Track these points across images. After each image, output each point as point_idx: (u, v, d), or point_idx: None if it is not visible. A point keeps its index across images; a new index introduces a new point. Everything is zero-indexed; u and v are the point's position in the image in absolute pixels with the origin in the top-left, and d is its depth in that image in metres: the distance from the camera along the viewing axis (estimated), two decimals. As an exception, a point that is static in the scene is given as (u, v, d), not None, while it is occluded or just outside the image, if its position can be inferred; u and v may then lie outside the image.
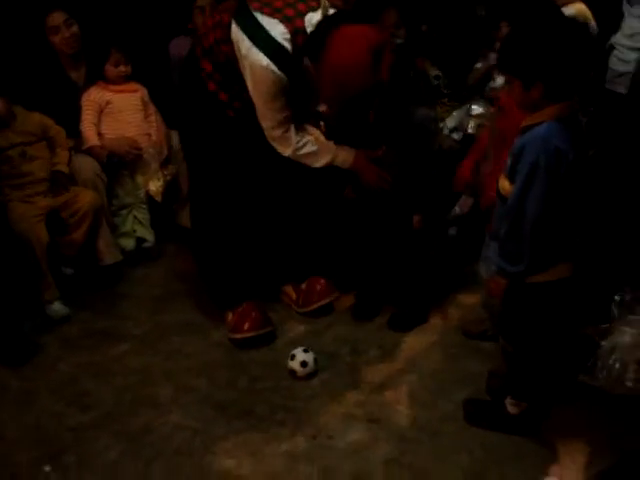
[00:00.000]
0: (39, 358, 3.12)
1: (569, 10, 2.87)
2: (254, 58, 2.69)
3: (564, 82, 2.21)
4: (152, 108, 4.03)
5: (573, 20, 2.44)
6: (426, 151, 3.07)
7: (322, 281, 3.36)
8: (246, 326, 3.15)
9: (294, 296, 3.44)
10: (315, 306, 3.34)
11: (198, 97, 2.97)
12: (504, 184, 2.36)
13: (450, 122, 3.57)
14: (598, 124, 2.99)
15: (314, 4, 2.73)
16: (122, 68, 3.91)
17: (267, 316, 3.23)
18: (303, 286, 3.40)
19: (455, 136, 3.52)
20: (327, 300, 3.35)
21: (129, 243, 3.93)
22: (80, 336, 3.28)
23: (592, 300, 2.30)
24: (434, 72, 3.64)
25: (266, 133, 2.90)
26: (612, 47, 3.75)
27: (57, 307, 3.38)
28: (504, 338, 2.63)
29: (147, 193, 3.93)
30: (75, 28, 3.83)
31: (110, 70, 3.88)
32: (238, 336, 3.16)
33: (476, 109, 3.55)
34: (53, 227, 3.43)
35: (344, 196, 3.25)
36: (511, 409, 2.60)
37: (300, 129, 2.94)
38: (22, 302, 3.31)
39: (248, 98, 2.83)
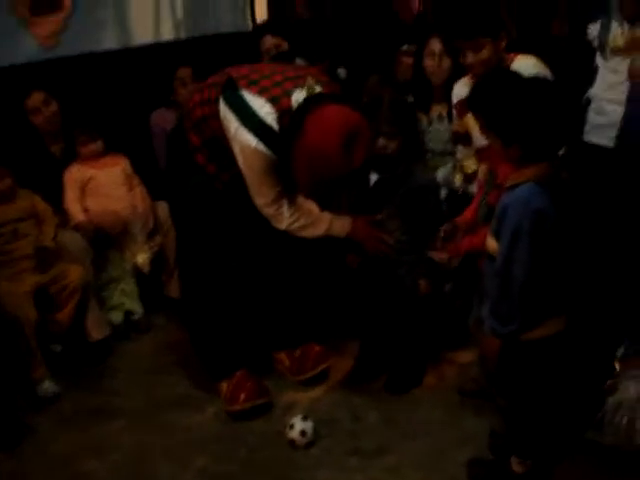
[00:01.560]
0: (31, 439, 3.06)
1: (523, 66, 2.89)
2: (243, 138, 2.71)
3: (541, 144, 2.24)
4: (136, 180, 4.04)
5: (540, 81, 2.49)
6: (432, 214, 3.07)
7: (316, 347, 3.33)
8: (242, 397, 3.10)
9: (288, 363, 3.40)
10: (310, 374, 3.30)
11: (186, 169, 2.99)
12: (491, 243, 2.37)
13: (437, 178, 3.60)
14: (579, 177, 3.03)
15: (301, 82, 2.73)
16: (92, 147, 3.92)
17: (263, 385, 3.20)
18: (297, 353, 3.36)
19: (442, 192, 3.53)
20: (322, 367, 3.31)
21: (118, 316, 3.89)
22: (73, 414, 3.22)
23: (593, 355, 2.31)
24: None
25: (260, 210, 2.89)
26: (588, 100, 3.83)
27: (47, 385, 3.32)
28: (499, 394, 2.62)
29: (134, 265, 3.90)
30: (54, 106, 3.86)
31: (82, 150, 3.91)
32: (236, 408, 3.11)
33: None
34: (41, 304, 3.40)
35: (347, 264, 3.25)
36: (516, 468, 2.57)
37: (293, 202, 2.91)
38: (12, 382, 3.26)
39: (237, 171, 2.83)
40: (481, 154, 3.03)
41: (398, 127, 3.01)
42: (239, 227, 3.04)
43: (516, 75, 2.43)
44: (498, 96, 2.28)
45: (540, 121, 2.19)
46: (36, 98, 3.82)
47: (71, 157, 3.94)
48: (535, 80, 2.43)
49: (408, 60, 4.02)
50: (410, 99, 3.73)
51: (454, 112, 3.34)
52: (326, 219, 3.00)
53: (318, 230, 2.98)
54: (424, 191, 3.10)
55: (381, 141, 3.01)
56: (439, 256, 3.14)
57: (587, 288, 2.61)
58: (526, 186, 2.23)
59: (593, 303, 2.64)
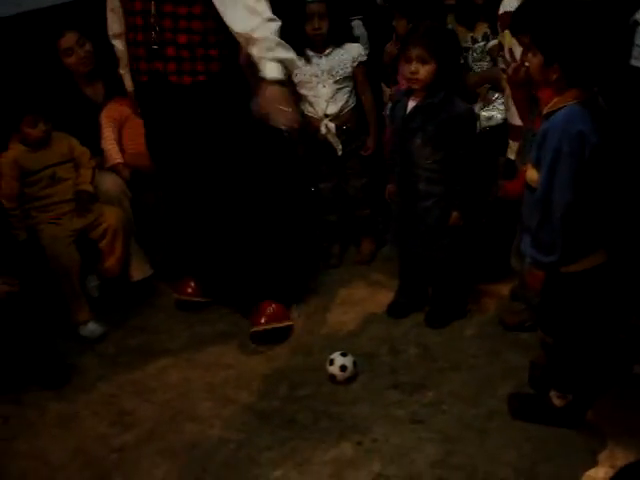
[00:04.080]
0: (77, 379, 3.13)
1: None
2: None
3: (582, 65, 2.17)
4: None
5: (588, 1, 2.39)
6: (466, 146, 3.01)
7: (273, 305, 3.30)
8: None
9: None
10: (262, 328, 3.25)
11: None
12: (531, 173, 2.32)
13: None
14: (623, 103, 2.91)
15: None
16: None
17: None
18: (257, 307, 3.32)
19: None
20: (275, 325, 3.26)
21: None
22: (117, 354, 3.28)
23: (634, 288, 2.26)
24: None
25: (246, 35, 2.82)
26: (637, 23, 3.65)
27: (92, 327, 3.38)
28: (543, 330, 2.59)
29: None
30: (88, 46, 3.81)
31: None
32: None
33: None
34: (86, 250, 3.44)
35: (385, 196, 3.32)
36: (556, 401, 2.56)
37: None
38: (56, 324, 3.33)
39: None
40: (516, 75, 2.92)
41: (431, 52, 2.91)
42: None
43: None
44: (545, 11, 2.21)
45: (583, 40, 2.13)
46: (70, 38, 3.77)
47: (108, 100, 3.91)
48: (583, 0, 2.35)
49: None
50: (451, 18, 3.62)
51: (498, 24, 3.22)
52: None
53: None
54: (460, 122, 3.00)
55: (413, 65, 2.94)
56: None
57: (628, 221, 2.54)
58: (567, 108, 2.18)
59: (634, 237, 2.57)
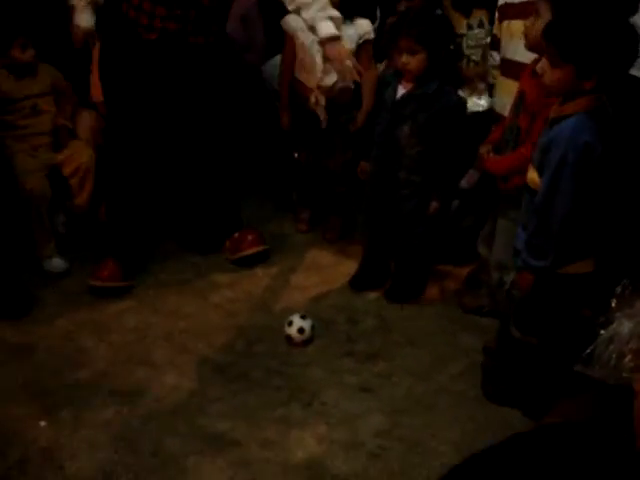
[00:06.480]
0: (37, 312, 3.14)
1: None
2: None
3: (615, 74, 2.18)
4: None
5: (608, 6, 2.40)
6: (452, 139, 3.02)
7: (252, 232, 3.55)
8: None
9: (228, 244, 3.58)
10: (244, 253, 3.50)
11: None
12: (533, 177, 2.33)
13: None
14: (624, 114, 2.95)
15: None
16: None
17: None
18: (235, 236, 3.53)
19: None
20: (255, 249, 3.52)
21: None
22: (79, 292, 3.29)
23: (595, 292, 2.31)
24: None
25: None
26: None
27: (56, 262, 3.39)
28: (522, 331, 2.54)
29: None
30: None
31: None
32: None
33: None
34: (57, 186, 3.43)
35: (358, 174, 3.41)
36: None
37: None
38: (20, 255, 3.33)
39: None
40: (508, 69, 2.94)
41: (420, 42, 2.90)
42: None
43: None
44: (575, 26, 2.16)
45: (616, 48, 2.12)
46: None
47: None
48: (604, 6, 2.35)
49: None
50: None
51: (496, 15, 3.22)
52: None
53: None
54: (452, 114, 3.01)
55: (404, 57, 2.94)
56: (472, 178, 3.13)
57: (616, 230, 2.59)
58: (575, 117, 2.18)
59: (619, 246, 2.62)
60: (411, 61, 2.93)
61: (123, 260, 3.31)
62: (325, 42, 2.96)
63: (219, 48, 3.24)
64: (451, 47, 3.33)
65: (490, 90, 3.37)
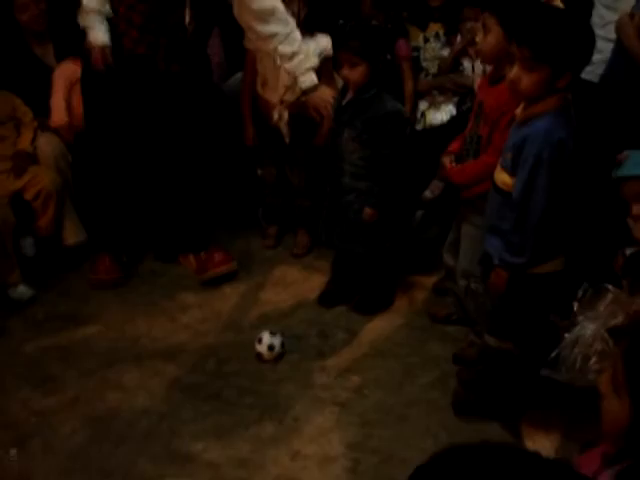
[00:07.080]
0: (3, 341, 3.10)
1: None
2: None
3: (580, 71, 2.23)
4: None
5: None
6: (393, 144, 3.04)
7: (220, 252, 3.52)
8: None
9: (194, 264, 3.57)
10: (212, 274, 3.48)
11: None
12: (503, 177, 2.36)
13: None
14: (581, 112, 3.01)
15: None
16: None
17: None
18: (202, 256, 3.52)
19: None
20: (223, 270, 3.49)
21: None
22: (45, 319, 3.25)
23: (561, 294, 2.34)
24: None
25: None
26: None
27: (22, 289, 3.34)
28: (499, 336, 2.55)
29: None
30: (43, 5, 3.74)
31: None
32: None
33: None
34: (20, 211, 3.39)
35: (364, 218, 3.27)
36: None
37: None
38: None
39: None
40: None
41: (360, 54, 2.91)
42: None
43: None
44: (547, 26, 2.20)
45: (586, 48, 2.18)
46: None
47: (57, 59, 3.83)
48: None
49: None
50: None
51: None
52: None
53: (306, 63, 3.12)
54: (387, 121, 3.00)
55: (345, 70, 2.96)
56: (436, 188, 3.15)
57: (583, 228, 2.63)
58: (549, 116, 2.22)
59: (586, 244, 2.66)
60: (352, 73, 2.96)
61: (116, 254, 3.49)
62: (309, 91, 3.11)
63: (194, 75, 3.30)
64: (388, 57, 3.37)
65: (465, 97, 3.44)
